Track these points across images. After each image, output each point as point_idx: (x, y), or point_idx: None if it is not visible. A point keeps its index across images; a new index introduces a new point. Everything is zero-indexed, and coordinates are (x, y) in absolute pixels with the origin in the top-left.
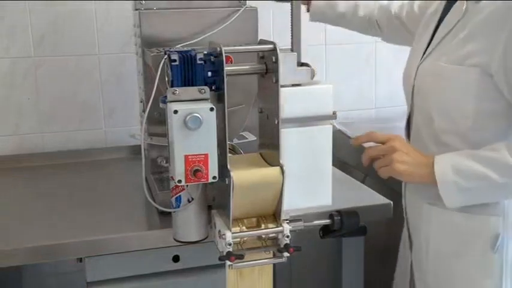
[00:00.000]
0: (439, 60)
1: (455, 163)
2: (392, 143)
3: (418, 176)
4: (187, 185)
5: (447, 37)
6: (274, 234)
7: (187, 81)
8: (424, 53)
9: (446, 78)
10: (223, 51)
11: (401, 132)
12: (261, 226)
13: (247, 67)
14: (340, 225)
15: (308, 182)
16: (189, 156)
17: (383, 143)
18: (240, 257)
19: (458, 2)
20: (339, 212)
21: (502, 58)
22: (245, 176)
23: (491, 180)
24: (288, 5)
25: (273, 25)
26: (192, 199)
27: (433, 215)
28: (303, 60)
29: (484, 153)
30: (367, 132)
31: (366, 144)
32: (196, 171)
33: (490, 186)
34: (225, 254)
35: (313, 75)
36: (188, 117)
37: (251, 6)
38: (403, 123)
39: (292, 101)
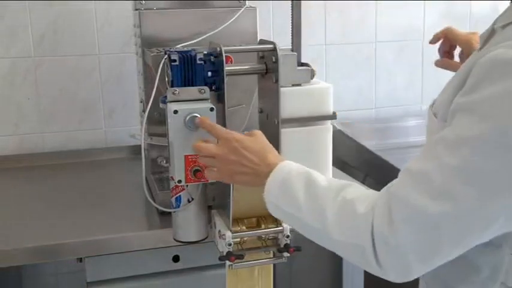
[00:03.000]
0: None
1: (286, 186)
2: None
3: (252, 184)
4: (187, 185)
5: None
6: (274, 234)
7: (187, 81)
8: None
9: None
10: (223, 51)
11: (403, 136)
12: (261, 226)
13: (247, 67)
14: None
15: None
16: (189, 156)
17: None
18: (240, 257)
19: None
20: None
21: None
22: None
23: (301, 216)
24: (288, 4)
25: (273, 25)
26: (192, 199)
27: None
28: (303, 60)
29: (325, 187)
30: (210, 124)
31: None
32: (196, 171)
33: (300, 221)
34: (225, 254)
35: (313, 75)
36: (188, 117)
37: (251, 6)
38: (403, 124)
39: (292, 101)
